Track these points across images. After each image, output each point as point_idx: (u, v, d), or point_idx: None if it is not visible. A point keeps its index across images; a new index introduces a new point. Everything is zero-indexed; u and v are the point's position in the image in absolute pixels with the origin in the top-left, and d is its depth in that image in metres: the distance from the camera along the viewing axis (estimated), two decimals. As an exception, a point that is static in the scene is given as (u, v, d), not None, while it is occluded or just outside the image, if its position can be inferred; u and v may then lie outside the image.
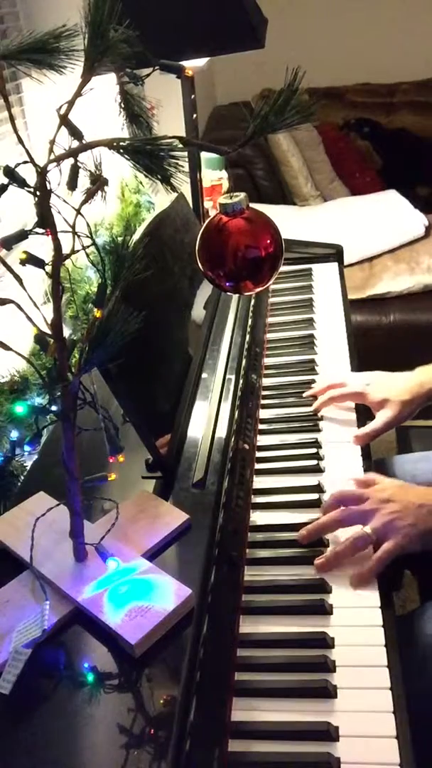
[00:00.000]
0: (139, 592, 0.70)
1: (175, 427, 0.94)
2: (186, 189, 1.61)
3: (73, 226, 0.61)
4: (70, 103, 0.58)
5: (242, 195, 0.62)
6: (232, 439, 0.96)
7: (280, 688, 0.71)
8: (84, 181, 0.62)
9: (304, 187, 2.88)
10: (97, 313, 0.64)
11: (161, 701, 0.62)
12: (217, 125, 3.02)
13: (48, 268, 0.62)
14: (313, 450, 1.04)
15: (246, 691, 0.71)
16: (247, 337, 1.22)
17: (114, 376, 0.78)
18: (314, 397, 1.15)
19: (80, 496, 0.71)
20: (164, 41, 1.25)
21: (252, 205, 0.63)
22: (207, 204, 1.76)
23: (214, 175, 2.00)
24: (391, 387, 1.09)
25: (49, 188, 0.58)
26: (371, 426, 1.07)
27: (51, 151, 0.58)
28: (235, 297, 1.31)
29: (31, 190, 0.58)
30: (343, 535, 0.86)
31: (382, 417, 1.07)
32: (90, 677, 0.64)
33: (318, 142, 2.96)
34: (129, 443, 0.85)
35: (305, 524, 0.89)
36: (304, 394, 1.16)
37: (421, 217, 2.56)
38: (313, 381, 1.20)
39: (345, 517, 0.86)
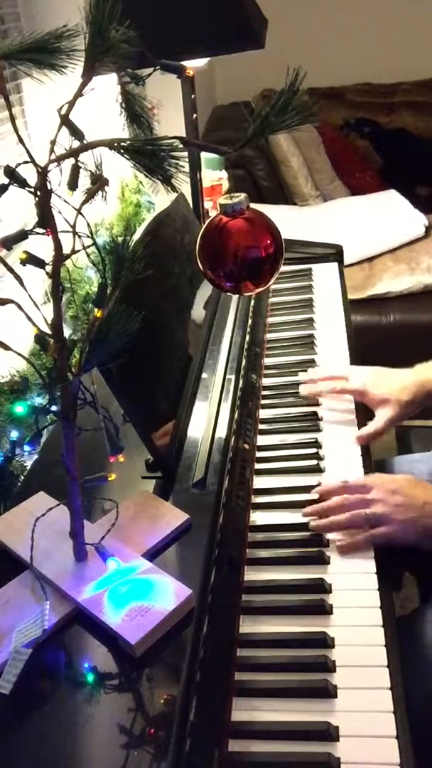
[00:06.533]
0: (139, 592, 0.70)
1: (175, 427, 0.94)
2: (186, 189, 1.61)
3: (73, 226, 0.61)
4: (71, 103, 0.58)
5: (242, 195, 0.62)
6: (232, 439, 0.96)
7: (280, 688, 0.71)
8: (84, 181, 0.62)
9: (304, 187, 2.88)
10: (97, 313, 0.64)
11: (161, 701, 0.62)
12: (217, 125, 3.02)
13: (48, 268, 0.62)
14: (313, 450, 1.04)
15: (246, 691, 0.71)
16: (247, 337, 1.22)
17: (114, 376, 0.78)
18: (314, 397, 1.14)
19: (80, 496, 0.71)
20: (165, 41, 1.25)
21: (252, 205, 0.63)
22: (207, 204, 1.76)
23: (214, 176, 2.01)
24: (392, 385, 1.09)
25: (49, 188, 0.58)
26: (373, 425, 1.07)
27: (52, 151, 0.58)
28: (235, 297, 1.31)
29: (32, 190, 0.58)
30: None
31: (383, 416, 1.07)
32: (90, 677, 0.64)
33: (318, 142, 2.96)
34: (129, 443, 0.85)
35: (305, 525, 0.89)
36: (300, 375, 1.18)
37: (421, 217, 2.56)
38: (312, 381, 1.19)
39: (350, 502, 0.88)
